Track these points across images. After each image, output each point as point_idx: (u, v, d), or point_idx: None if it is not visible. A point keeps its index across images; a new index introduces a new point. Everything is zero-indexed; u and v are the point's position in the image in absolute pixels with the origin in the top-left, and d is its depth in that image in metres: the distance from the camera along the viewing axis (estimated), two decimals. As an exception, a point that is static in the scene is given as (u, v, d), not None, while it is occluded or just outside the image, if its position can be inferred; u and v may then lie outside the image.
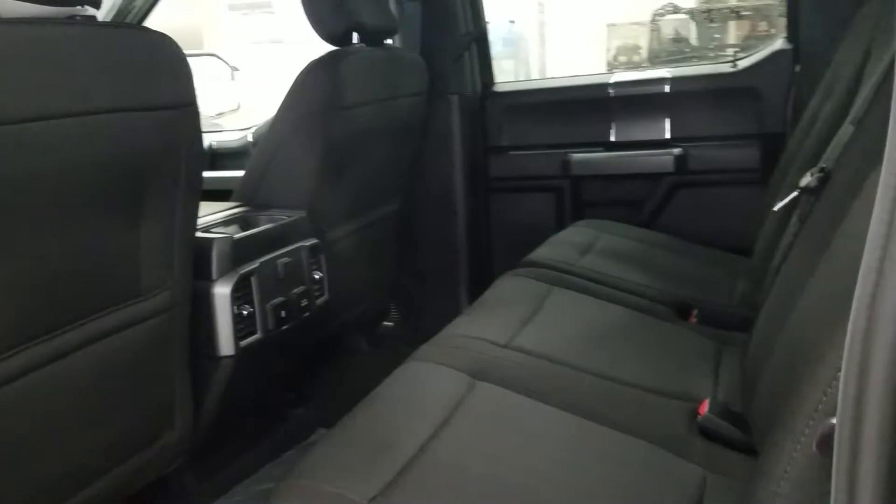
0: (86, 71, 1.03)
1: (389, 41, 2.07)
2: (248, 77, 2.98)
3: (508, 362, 1.29)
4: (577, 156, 2.23)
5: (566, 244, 1.97)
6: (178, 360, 1.35)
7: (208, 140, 2.74)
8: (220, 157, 2.73)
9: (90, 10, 1.07)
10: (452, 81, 2.25)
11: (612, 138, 2.23)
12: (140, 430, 1.30)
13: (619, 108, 2.22)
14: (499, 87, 2.38)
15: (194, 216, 1.34)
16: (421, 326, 2.36)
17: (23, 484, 1.07)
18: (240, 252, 1.47)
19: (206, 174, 2.60)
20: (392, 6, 2.21)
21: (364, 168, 1.93)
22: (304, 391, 2.07)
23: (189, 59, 1.26)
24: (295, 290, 1.61)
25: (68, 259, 1.07)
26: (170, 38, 1.21)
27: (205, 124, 3.06)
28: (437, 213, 2.29)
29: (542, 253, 1.90)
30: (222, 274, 1.43)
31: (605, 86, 2.24)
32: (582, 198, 2.29)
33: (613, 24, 7.49)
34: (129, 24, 1.23)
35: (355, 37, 1.87)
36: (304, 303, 1.64)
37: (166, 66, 1.18)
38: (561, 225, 2.20)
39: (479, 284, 1.97)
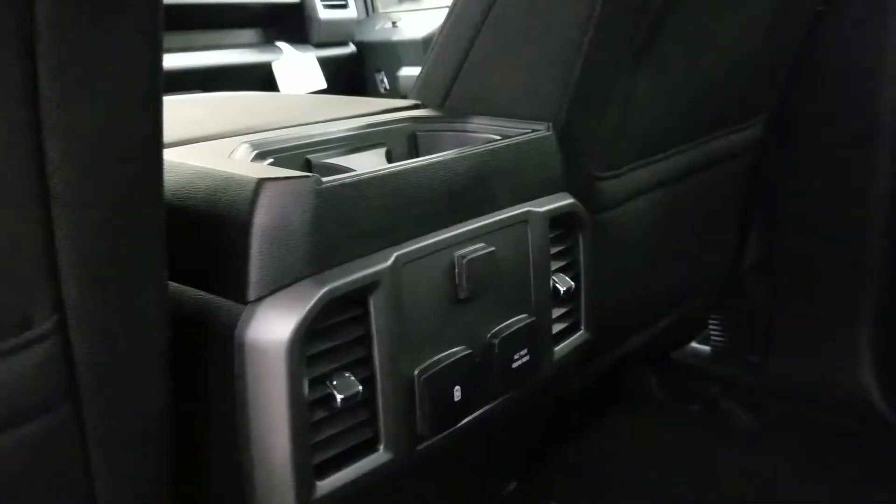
0: None
1: None
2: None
3: None
4: None
5: None
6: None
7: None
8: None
9: None
10: None
11: None
12: None
13: None
14: None
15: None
16: (769, 364, 1.26)
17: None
18: (342, 224, 0.52)
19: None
20: None
21: (695, 47, 0.87)
22: (533, 475, 1.11)
23: None
24: (503, 327, 0.62)
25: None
26: None
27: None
28: (839, 156, 1.13)
29: None
30: (277, 285, 0.49)
31: None
32: None
33: None
34: None
35: None
36: (525, 357, 0.65)
37: None
38: None
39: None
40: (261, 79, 1.66)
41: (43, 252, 0.37)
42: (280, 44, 1.75)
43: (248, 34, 1.75)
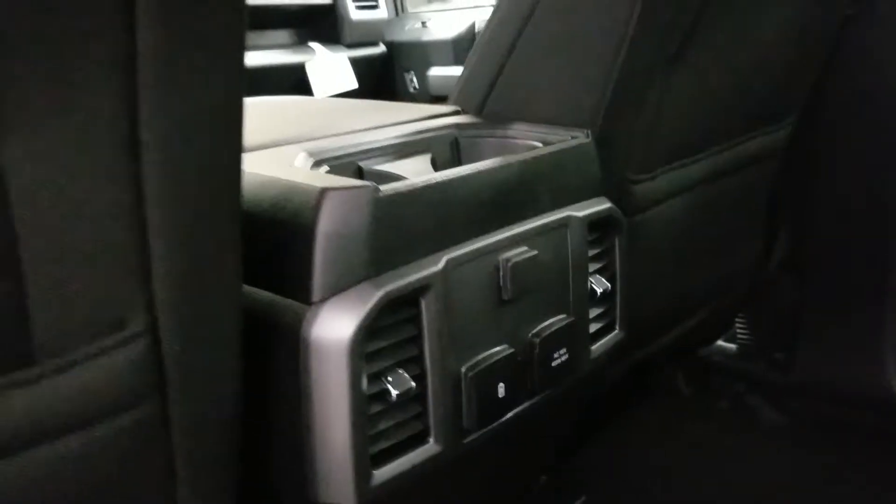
0: None
1: None
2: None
3: None
4: None
5: None
6: None
7: (473, 17, 1.82)
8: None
9: None
10: None
11: None
12: None
13: None
14: None
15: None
16: (795, 362, 1.28)
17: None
18: (397, 230, 0.55)
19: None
20: None
21: (727, 52, 0.89)
22: (563, 468, 1.14)
23: None
24: (544, 327, 0.66)
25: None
26: None
27: None
28: (866, 157, 1.15)
29: None
30: (339, 287, 0.52)
31: None
32: None
33: None
34: None
35: None
36: (564, 356, 0.68)
37: None
38: None
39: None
40: (294, 79, 1.70)
41: (137, 254, 0.41)
42: (313, 44, 1.78)
43: (282, 35, 1.79)
